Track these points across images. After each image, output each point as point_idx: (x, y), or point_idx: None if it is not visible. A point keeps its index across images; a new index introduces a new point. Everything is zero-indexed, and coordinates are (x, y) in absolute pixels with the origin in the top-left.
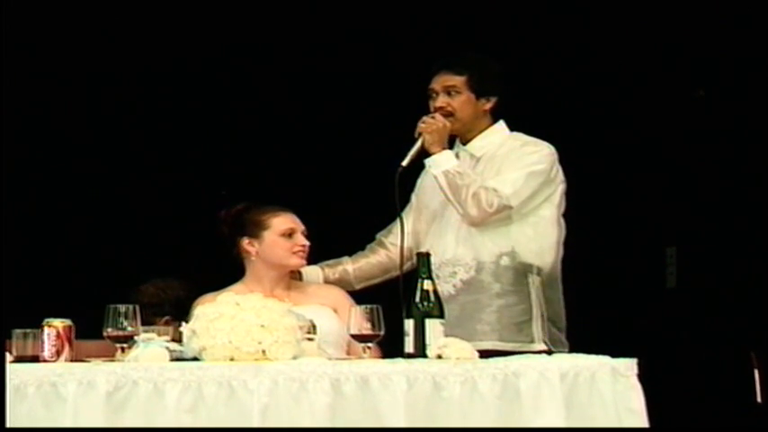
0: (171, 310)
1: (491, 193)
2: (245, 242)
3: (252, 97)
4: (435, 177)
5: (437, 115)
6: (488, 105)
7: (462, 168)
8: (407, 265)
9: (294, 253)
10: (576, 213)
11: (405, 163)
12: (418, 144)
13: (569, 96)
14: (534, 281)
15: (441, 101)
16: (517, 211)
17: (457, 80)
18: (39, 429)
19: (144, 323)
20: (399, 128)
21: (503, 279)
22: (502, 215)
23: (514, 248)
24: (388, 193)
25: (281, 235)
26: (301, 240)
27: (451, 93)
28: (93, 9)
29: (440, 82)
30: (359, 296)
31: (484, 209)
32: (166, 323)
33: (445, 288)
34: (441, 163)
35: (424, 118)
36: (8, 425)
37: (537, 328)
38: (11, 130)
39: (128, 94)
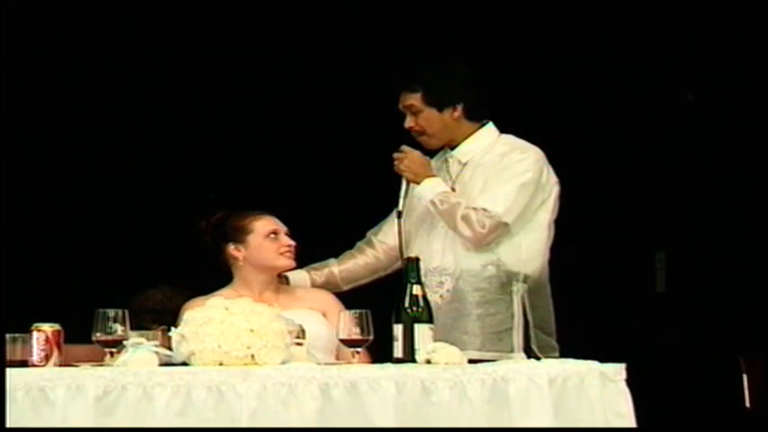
0: (171, 320)
1: (480, 213)
2: (231, 248)
3: (240, 102)
4: (427, 207)
5: (404, 147)
6: (456, 114)
7: (446, 195)
8: (395, 266)
9: (281, 254)
10: (565, 218)
11: (400, 207)
12: (404, 184)
13: (559, 101)
14: (519, 288)
15: (408, 121)
16: (515, 224)
17: (413, 99)
18: (40, 429)
19: (140, 328)
20: (387, 129)
21: (484, 288)
22: (498, 232)
23: (500, 258)
24: (376, 194)
25: (265, 237)
26: (287, 240)
27: (414, 111)
28: (89, 9)
29: (401, 101)
30: (348, 301)
31: (477, 231)
32: (162, 332)
33: (433, 298)
34: (424, 194)
35: (394, 155)
36: (7, 425)
37: (517, 337)
38: (6, 133)
39: (119, 99)
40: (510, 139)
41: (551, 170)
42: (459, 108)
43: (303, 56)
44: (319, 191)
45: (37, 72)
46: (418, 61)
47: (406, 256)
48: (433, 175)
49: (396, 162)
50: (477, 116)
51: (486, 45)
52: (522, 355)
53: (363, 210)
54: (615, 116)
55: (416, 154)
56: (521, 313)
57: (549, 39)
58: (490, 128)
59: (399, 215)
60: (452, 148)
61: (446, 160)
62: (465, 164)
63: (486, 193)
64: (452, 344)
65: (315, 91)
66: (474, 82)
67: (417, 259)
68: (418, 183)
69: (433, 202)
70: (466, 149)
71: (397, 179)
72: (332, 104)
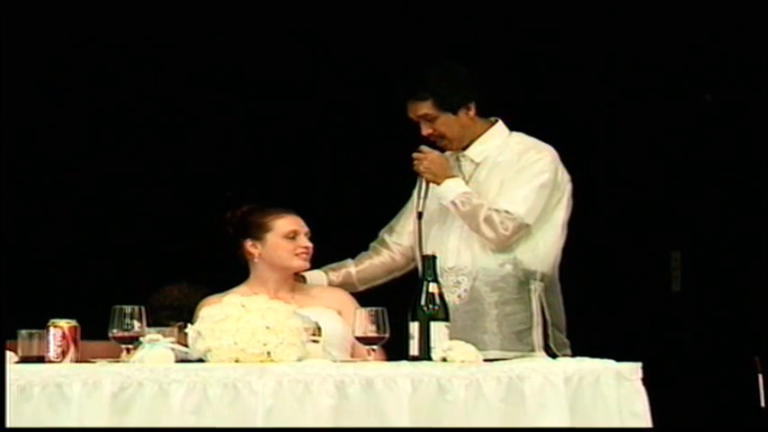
0: (188, 317)
1: (503, 215)
2: (249, 244)
3: (257, 98)
4: (448, 207)
5: (424, 148)
6: (471, 113)
7: (468, 196)
8: (411, 266)
9: (297, 255)
10: (581, 217)
11: (420, 208)
12: (423, 184)
13: (576, 99)
14: (537, 287)
15: (424, 129)
16: (533, 224)
17: (425, 107)
18: (38, 430)
19: (157, 325)
20: (403, 129)
21: (503, 287)
22: (521, 234)
23: (517, 256)
24: (392, 193)
25: (283, 237)
26: (304, 242)
27: (429, 119)
28: (95, 7)
29: (412, 111)
30: (364, 299)
31: (501, 233)
32: (179, 329)
33: (450, 298)
34: (446, 195)
35: (414, 155)
36: (13, 425)
37: (537, 336)
38: (15, 128)
39: (134, 95)
40: (522, 137)
41: (564, 169)
42: (472, 107)
43: (320, 54)
44: (335, 191)
45: (48, 64)
46: (420, 68)
47: (423, 254)
48: (454, 176)
49: (415, 163)
50: (486, 112)
51: (500, 42)
52: (543, 353)
53: (379, 210)
54: (631, 115)
55: (436, 154)
56: (539, 312)
57: (564, 37)
58: (500, 126)
59: (420, 216)
60: (464, 148)
61: (457, 159)
62: (479, 164)
63: (506, 195)
64: (473, 344)
65: (330, 91)
66: (477, 79)
67: (434, 257)
68: (438, 183)
69: (454, 203)
70: (479, 149)
71: (408, 179)
72: (347, 104)
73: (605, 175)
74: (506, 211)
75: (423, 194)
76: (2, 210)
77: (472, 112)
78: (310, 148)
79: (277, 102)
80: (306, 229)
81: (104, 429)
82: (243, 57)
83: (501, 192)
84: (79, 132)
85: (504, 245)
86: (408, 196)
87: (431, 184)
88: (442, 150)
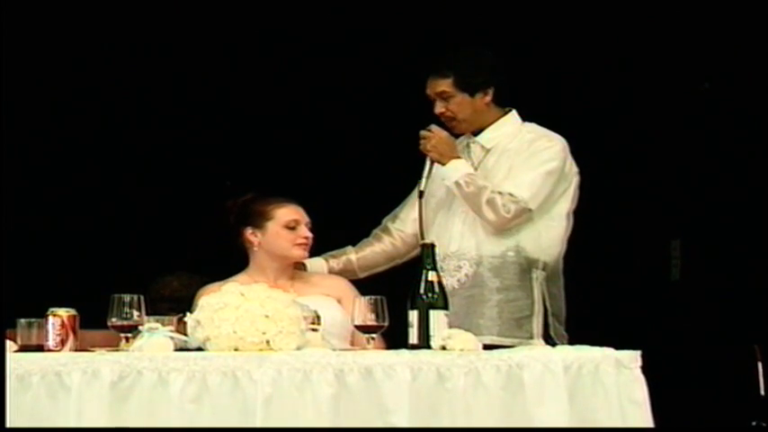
0: (188, 308)
1: (506, 198)
2: (249, 232)
3: (257, 89)
4: (450, 188)
5: (433, 127)
6: (487, 98)
7: (472, 177)
8: (412, 254)
9: (297, 245)
10: (581, 206)
11: (422, 187)
12: (428, 163)
13: (574, 89)
14: (539, 276)
15: (438, 107)
16: (536, 211)
17: (445, 84)
18: (38, 429)
19: (156, 314)
20: (404, 118)
21: (505, 274)
22: (522, 218)
23: (520, 244)
24: (393, 182)
25: (284, 226)
26: (304, 232)
27: (445, 97)
28: (93, 3)
29: (431, 87)
30: (363, 287)
31: (502, 215)
32: (180, 321)
33: (449, 282)
34: (450, 175)
35: (422, 133)
36: (12, 414)
37: (537, 324)
38: (14, 120)
39: (134, 86)
40: (534, 126)
41: (573, 160)
42: (490, 92)
43: (321, 43)
44: (337, 181)
45: (46, 58)
46: (447, 48)
47: (422, 241)
48: (459, 157)
49: (422, 141)
50: (504, 101)
51: (500, 34)
52: (542, 341)
53: (380, 198)
54: (631, 105)
55: (444, 134)
56: (541, 300)
57: (563, 27)
58: (514, 115)
59: (421, 195)
60: (475, 134)
61: (468, 145)
62: (489, 150)
63: (512, 179)
64: (469, 329)
65: (331, 80)
66: (501, 67)
67: (433, 245)
68: (443, 164)
69: (458, 184)
70: (490, 136)
71: (412, 169)
72: (348, 94)
73: (604, 164)
74: (510, 194)
75: (427, 174)
76: (1, 199)
77: (489, 98)
78: (312, 137)
79: (277, 91)
80: (307, 219)
81: (102, 430)
82: (242, 45)
83: (508, 176)
84: (78, 122)
85: (504, 227)
86: (412, 186)
87: (436, 165)
88: (452, 132)
